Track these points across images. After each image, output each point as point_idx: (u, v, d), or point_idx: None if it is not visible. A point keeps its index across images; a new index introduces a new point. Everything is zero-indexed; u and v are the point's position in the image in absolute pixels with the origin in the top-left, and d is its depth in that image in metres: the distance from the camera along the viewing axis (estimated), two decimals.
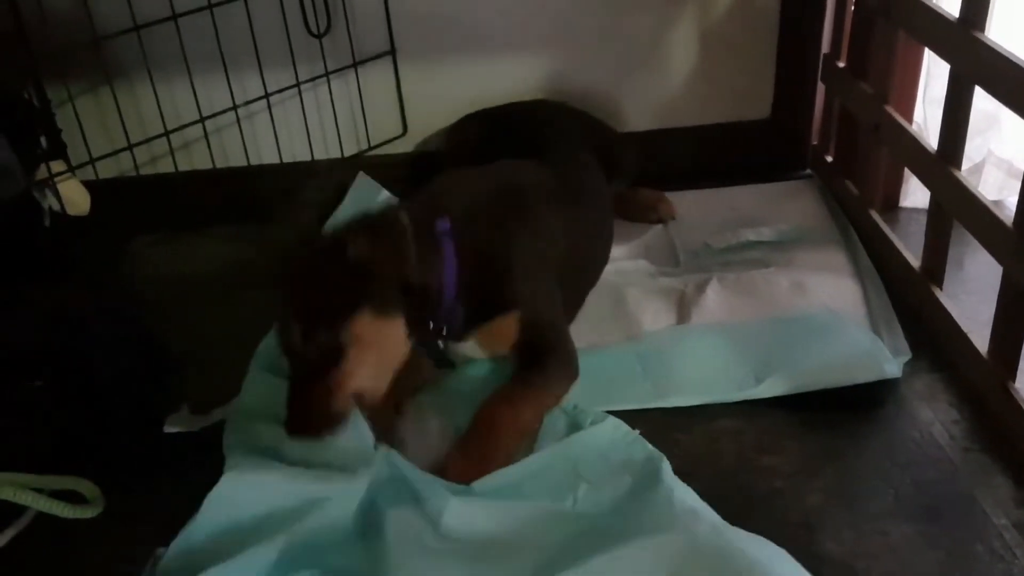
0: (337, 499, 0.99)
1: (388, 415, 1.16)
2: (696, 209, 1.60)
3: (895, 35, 1.39)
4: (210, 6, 1.49)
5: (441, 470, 1.06)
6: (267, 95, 1.59)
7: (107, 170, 1.58)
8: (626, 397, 1.19)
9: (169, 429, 1.18)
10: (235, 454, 1.08)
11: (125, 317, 1.32)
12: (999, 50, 1.09)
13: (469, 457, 1.07)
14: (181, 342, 1.33)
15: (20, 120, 1.43)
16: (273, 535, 0.95)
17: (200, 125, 1.58)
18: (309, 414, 1.03)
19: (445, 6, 1.60)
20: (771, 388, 1.19)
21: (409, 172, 1.67)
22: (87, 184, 1.53)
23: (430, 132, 1.68)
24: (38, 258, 1.44)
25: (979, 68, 1.14)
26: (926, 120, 1.53)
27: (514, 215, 1.22)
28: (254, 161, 1.67)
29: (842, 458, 1.10)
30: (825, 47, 1.64)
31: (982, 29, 1.14)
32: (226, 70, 1.55)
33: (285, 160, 1.68)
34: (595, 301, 1.38)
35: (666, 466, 1.04)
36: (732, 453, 1.12)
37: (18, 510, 1.08)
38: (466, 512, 1.00)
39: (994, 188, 1.55)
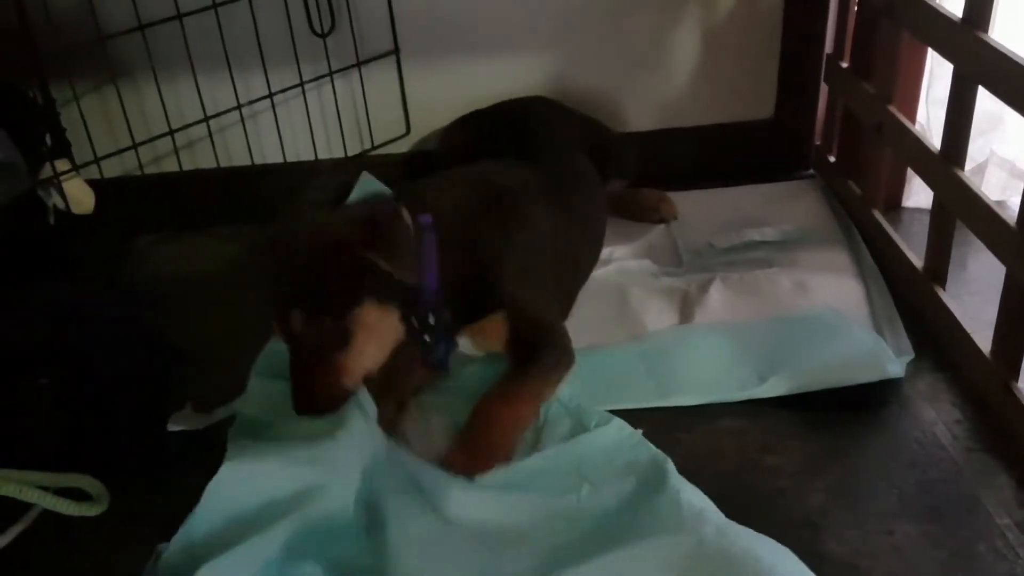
0: (337, 487, 1.00)
1: (391, 412, 1.16)
2: (699, 209, 1.60)
3: (898, 35, 1.39)
4: (214, 5, 1.50)
5: (442, 465, 1.07)
6: (271, 94, 1.60)
7: (111, 169, 1.58)
8: (629, 396, 1.19)
9: (173, 427, 1.18)
10: (235, 446, 1.08)
11: (129, 316, 1.32)
12: (1002, 50, 1.09)
13: (470, 452, 1.09)
14: (185, 341, 1.33)
15: (25, 119, 1.44)
16: (274, 525, 0.95)
17: (204, 124, 1.58)
18: (316, 393, 1.08)
19: (448, 6, 1.60)
20: (774, 388, 1.19)
21: (405, 172, 1.67)
22: (91, 183, 1.53)
23: (433, 131, 1.68)
24: (43, 256, 1.44)
25: (982, 68, 1.14)
26: (929, 120, 1.53)
27: (499, 212, 1.23)
28: (258, 160, 1.67)
29: (845, 458, 1.10)
30: (828, 47, 1.64)
31: (985, 29, 1.14)
32: (230, 69, 1.55)
33: (289, 160, 1.68)
34: (598, 301, 1.38)
35: (671, 467, 1.05)
36: (735, 453, 1.12)
37: (23, 507, 1.08)
38: (469, 502, 1.02)
39: (997, 188, 1.55)
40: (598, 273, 1.44)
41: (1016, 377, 1.12)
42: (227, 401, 1.20)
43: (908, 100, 1.53)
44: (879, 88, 1.44)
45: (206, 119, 1.58)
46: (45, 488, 1.08)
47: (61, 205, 1.47)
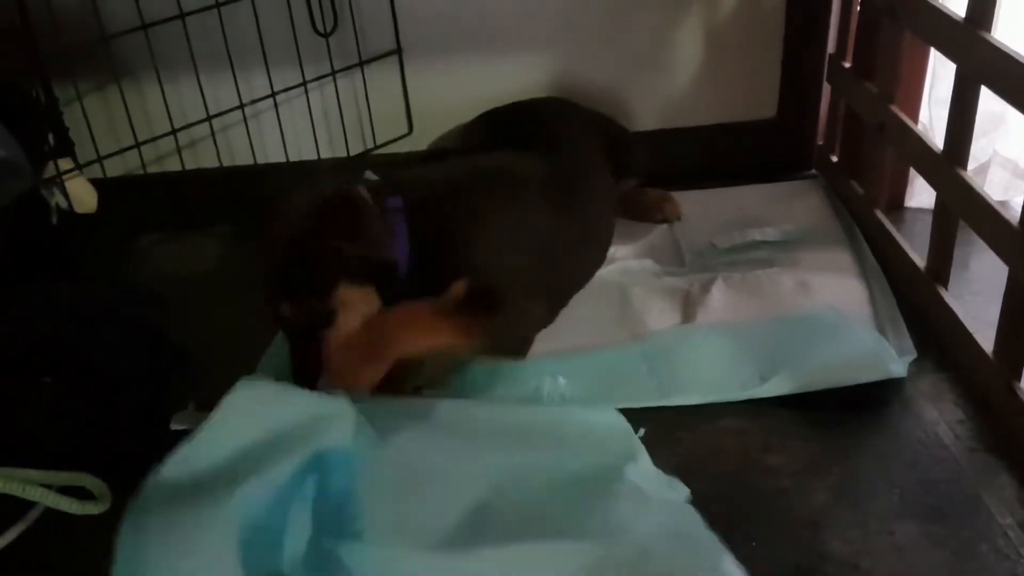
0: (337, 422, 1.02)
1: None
2: (701, 209, 1.60)
3: (901, 35, 1.39)
4: (217, 5, 1.50)
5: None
6: (273, 94, 1.60)
7: (114, 168, 1.59)
8: (631, 396, 1.19)
9: (175, 427, 1.18)
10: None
11: (132, 315, 1.32)
12: (1005, 50, 1.09)
13: (351, 344, 1.14)
14: (187, 340, 1.33)
15: (28, 118, 1.44)
16: (285, 452, 0.97)
17: (207, 124, 1.59)
18: (311, 367, 1.15)
19: (451, 5, 1.60)
20: (776, 387, 1.19)
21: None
22: (94, 182, 1.53)
23: (436, 131, 1.68)
24: (45, 255, 1.44)
25: (985, 68, 1.14)
26: (932, 120, 1.53)
27: (484, 195, 1.27)
28: (260, 160, 1.67)
29: (847, 457, 1.10)
30: (831, 47, 1.64)
31: (988, 29, 1.14)
32: (233, 69, 1.55)
33: (291, 159, 1.68)
34: (600, 301, 1.38)
35: (644, 459, 1.05)
36: (737, 452, 1.12)
37: (26, 505, 1.08)
38: (424, 436, 1.04)
39: (1000, 188, 1.55)
40: (600, 272, 1.43)
41: (1018, 377, 1.12)
42: None
43: (910, 100, 1.53)
44: (881, 88, 1.44)
45: (208, 118, 1.58)
46: (48, 486, 1.08)
47: (64, 204, 1.47)
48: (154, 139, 1.58)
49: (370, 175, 1.61)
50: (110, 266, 1.56)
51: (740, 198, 1.65)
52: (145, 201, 1.63)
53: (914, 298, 1.34)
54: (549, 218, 1.31)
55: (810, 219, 1.56)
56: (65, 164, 1.47)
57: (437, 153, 1.67)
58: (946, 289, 1.29)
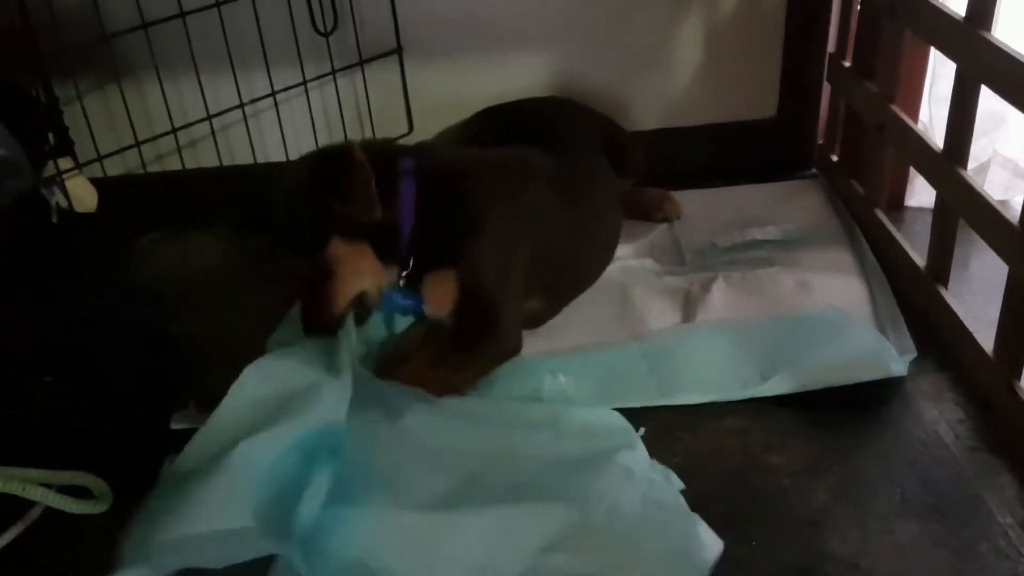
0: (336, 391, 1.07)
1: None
2: (701, 208, 1.60)
3: (901, 34, 1.39)
4: (217, 4, 1.50)
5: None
6: (274, 93, 1.60)
7: (114, 167, 1.59)
8: (632, 395, 1.19)
9: (176, 426, 1.18)
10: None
11: (133, 314, 1.32)
12: (1005, 49, 1.09)
13: None
14: (188, 339, 1.33)
15: (28, 117, 1.44)
16: (291, 419, 1.03)
17: (207, 123, 1.59)
18: (315, 316, 1.21)
19: (452, 5, 1.60)
20: (777, 387, 1.19)
21: None
22: (94, 181, 1.53)
23: (436, 130, 1.68)
24: (45, 254, 1.44)
25: (985, 67, 1.14)
26: (932, 120, 1.53)
27: (499, 179, 1.29)
28: (261, 159, 1.67)
29: (847, 457, 1.10)
30: (831, 47, 1.64)
31: (988, 28, 1.14)
32: (233, 68, 1.55)
33: (291, 158, 1.68)
34: (601, 300, 1.38)
35: (640, 450, 1.07)
36: (738, 451, 1.12)
37: (26, 504, 1.08)
38: (427, 417, 1.10)
39: (1000, 188, 1.56)
40: None
41: (1019, 376, 1.12)
42: None
43: (911, 99, 1.53)
44: (882, 87, 1.44)
45: (209, 117, 1.58)
46: (48, 486, 1.08)
47: (64, 203, 1.47)
48: (154, 138, 1.58)
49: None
50: (110, 265, 1.56)
51: (740, 197, 1.65)
52: (145, 200, 1.63)
53: (914, 297, 1.34)
54: (559, 213, 1.32)
55: (810, 218, 1.56)
56: (65, 163, 1.47)
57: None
58: (946, 288, 1.29)
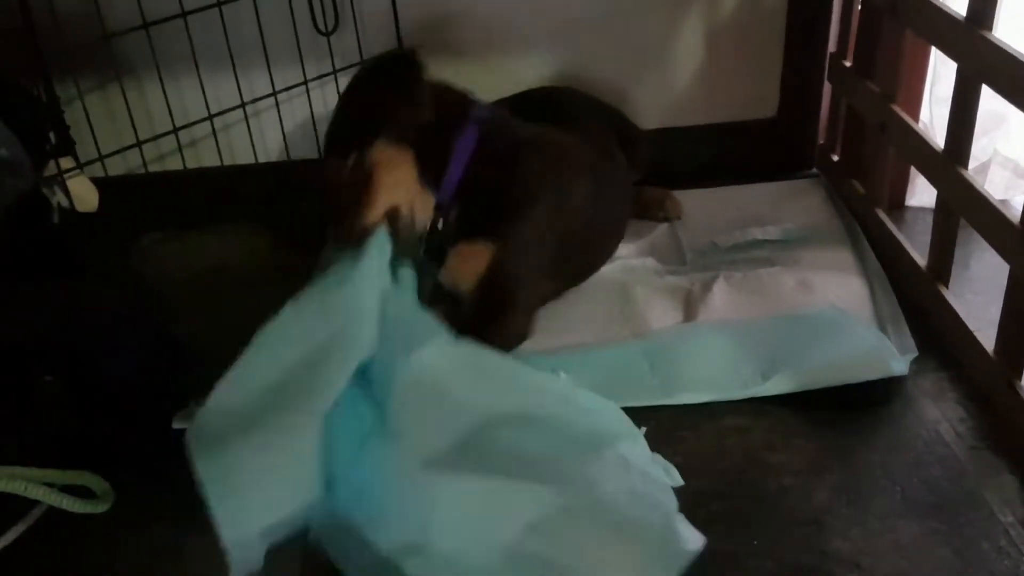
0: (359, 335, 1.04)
1: None
2: (703, 208, 1.60)
3: (902, 34, 1.39)
4: (218, 4, 1.50)
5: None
6: (275, 92, 1.60)
7: (116, 167, 1.58)
8: (633, 395, 1.20)
9: (178, 425, 1.19)
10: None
11: (135, 313, 1.32)
12: (1006, 49, 1.09)
13: None
14: (189, 339, 1.33)
15: (29, 117, 1.43)
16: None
17: (208, 122, 1.59)
18: (351, 226, 1.16)
19: (452, 5, 1.60)
20: (778, 386, 1.19)
21: None
22: (96, 181, 1.53)
23: None
24: (47, 254, 1.44)
25: (986, 67, 1.14)
26: (933, 119, 1.53)
27: (550, 164, 1.30)
28: (262, 159, 1.67)
29: (849, 456, 1.11)
30: (832, 46, 1.64)
31: (989, 28, 1.14)
32: (234, 67, 1.55)
33: (293, 158, 1.68)
34: (602, 299, 1.38)
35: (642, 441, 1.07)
36: (740, 451, 1.12)
37: (29, 504, 1.08)
38: (444, 361, 1.06)
39: (1000, 187, 1.56)
40: (602, 271, 1.44)
41: (1020, 375, 1.12)
42: None
43: (912, 99, 1.53)
44: (883, 87, 1.44)
45: (210, 117, 1.58)
46: (50, 485, 1.08)
47: (65, 203, 1.46)
48: (155, 138, 1.58)
49: None
50: (112, 265, 1.55)
51: (741, 197, 1.65)
52: (146, 200, 1.63)
53: (915, 297, 1.34)
54: (589, 200, 1.34)
55: (811, 218, 1.56)
56: (66, 163, 1.46)
57: None
58: (947, 288, 1.29)
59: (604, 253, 1.45)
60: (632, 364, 1.25)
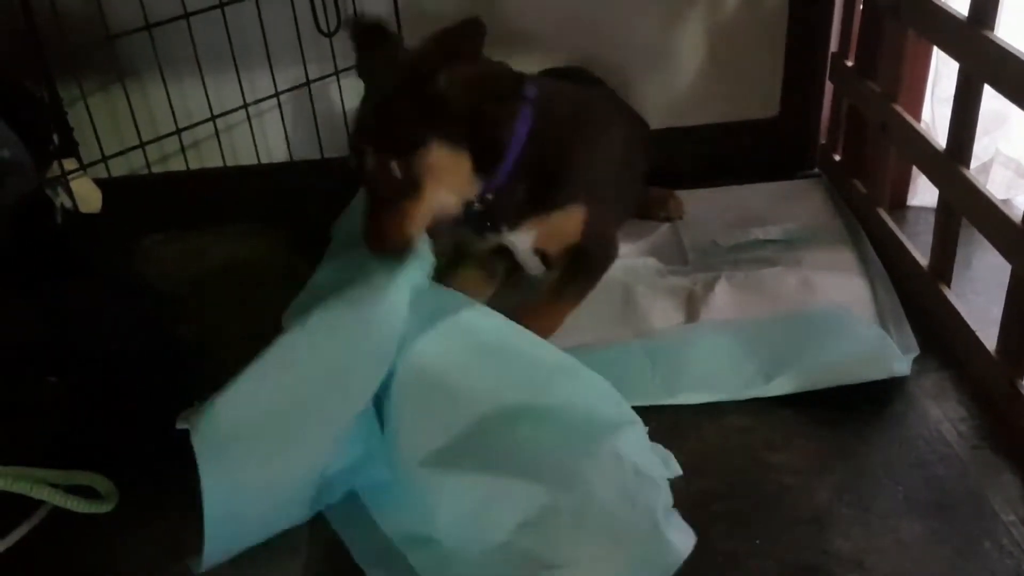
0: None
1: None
2: (704, 208, 1.61)
3: (903, 34, 1.39)
4: (221, 5, 1.50)
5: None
6: (277, 93, 1.60)
7: (118, 168, 1.59)
8: (635, 394, 1.19)
9: (181, 426, 1.19)
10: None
11: (137, 315, 1.32)
12: (1008, 48, 1.09)
13: None
14: (192, 339, 1.34)
15: (32, 118, 1.44)
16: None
17: (211, 123, 1.59)
18: (386, 235, 1.07)
19: (453, 5, 1.60)
20: (780, 386, 1.19)
21: None
22: (99, 182, 1.54)
23: None
24: (50, 255, 1.44)
25: (988, 67, 1.14)
26: (934, 119, 1.53)
27: (598, 123, 1.33)
28: (264, 160, 1.68)
29: (851, 455, 1.11)
30: (833, 46, 1.64)
31: (991, 27, 1.14)
32: (237, 68, 1.55)
33: (295, 159, 1.69)
34: (604, 299, 1.38)
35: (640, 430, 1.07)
36: (741, 450, 1.13)
37: (33, 504, 1.09)
38: (451, 341, 1.03)
39: (1002, 187, 1.56)
40: None
41: (1022, 375, 1.12)
42: None
43: (913, 99, 1.53)
44: (884, 87, 1.44)
45: (213, 118, 1.58)
46: (55, 485, 1.08)
47: (68, 204, 1.47)
48: (158, 139, 1.58)
49: None
50: (115, 266, 1.56)
51: (743, 197, 1.65)
52: (149, 201, 1.63)
53: (917, 297, 1.34)
54: (624, 160, 1.41)
55: (813, 218, 1.56)
56: (69, 164, 1.47)
57: None
58: (949, 287, 1.29)
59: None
60: (634, 364, 1.25)
